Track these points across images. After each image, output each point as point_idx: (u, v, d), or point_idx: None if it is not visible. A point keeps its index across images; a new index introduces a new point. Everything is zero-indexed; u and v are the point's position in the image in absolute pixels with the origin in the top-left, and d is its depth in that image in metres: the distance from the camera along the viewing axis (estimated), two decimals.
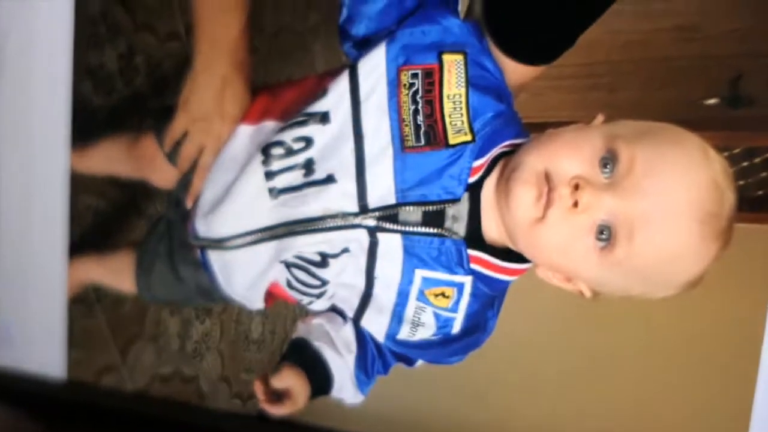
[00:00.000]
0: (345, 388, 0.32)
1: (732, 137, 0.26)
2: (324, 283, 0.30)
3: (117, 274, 0.34)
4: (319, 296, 0.31)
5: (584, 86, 0.28)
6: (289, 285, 0.31)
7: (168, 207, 0.32)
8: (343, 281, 0.30)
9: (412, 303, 0.30)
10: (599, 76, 0.28)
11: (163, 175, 0.33)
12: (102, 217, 0.32)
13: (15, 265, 0.30)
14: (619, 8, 0.25)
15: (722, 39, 0.26)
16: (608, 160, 0.26)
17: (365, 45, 0.29)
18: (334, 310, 0.32)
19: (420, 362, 0.31)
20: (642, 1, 0.26)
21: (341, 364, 0.31)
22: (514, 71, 0.28)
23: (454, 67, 0.28)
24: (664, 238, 0.25)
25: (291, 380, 0.31)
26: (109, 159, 0.33)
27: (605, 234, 0.26)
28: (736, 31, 0.25)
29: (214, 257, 0.32)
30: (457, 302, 0.29)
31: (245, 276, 0.32)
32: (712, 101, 0.26)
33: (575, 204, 0.26)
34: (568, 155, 0.26)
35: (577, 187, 0.26)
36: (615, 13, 0.25)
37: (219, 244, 0.32)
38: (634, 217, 0.25)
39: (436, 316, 0.30)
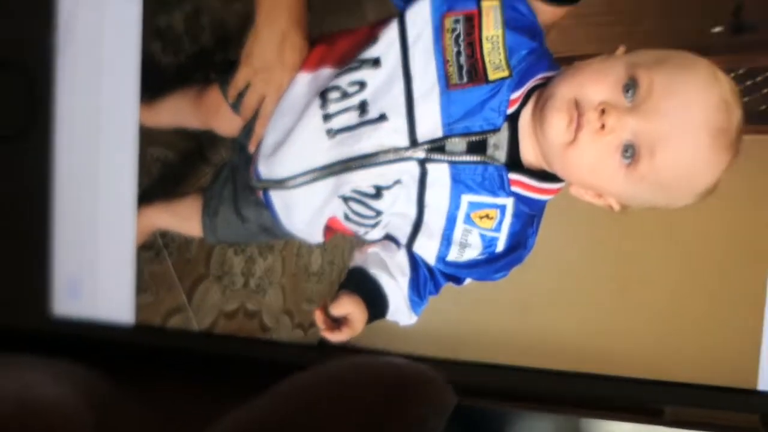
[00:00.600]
0: (400, 311, 0.35)
1: (736, 60, 0.30)
2: (379, 213, 0.34)
3: (184, 219, 0.36)
4: (374, 226, 0.34)
5: (606, 22, 0.31)
6: (347, 218, 0.34)
7: (232, 153, 0.35)
8: (397, 210, 0.33)
9: (460, 226, 0.33)
10: (619, 12, 0.31)
11: (227, 124, 0.35)
12: (169, 167, 0.35)
13: (86, 220, 0.31)
14: None
15: None
16: (630, 86, 0.29)
17: None
18: (388, 238, 0.35)
19: (468, 280, 0.34)
20: None
21: (395, 287, 0.35)
22: (545, 12, 0.31)
23: (491, 11, 0.32)
24: (681, 153, 0.29)
25: (349, 307, 0.34)
26: (177, 111, 0.35)
27: (629, 152, 0.29)
28: None
29: (276, 197, 0.35)
30: (500, 222, 0.33)
31: (305, 212, 0.35)
32: (717, 29, 0.30)
33: (602, 127, 0.29)
34: (594, 84, 0.30)
35: (603, 111, 0.29)
36: None
37: (280, 184, 0.35)
38: (655, 136, 0.29)
39: (482, 236, 0.33)
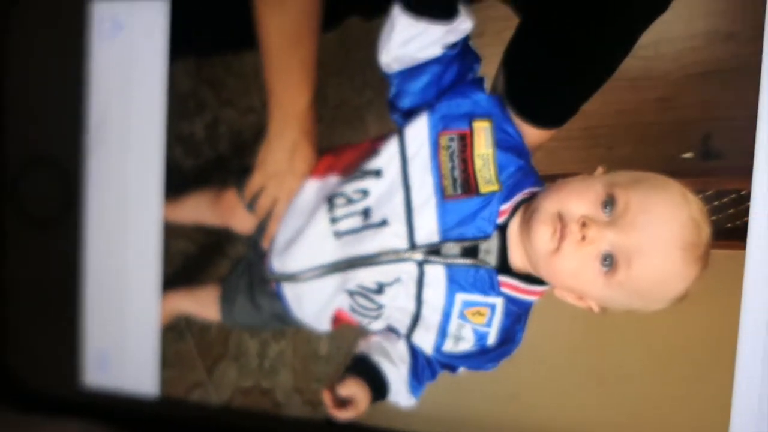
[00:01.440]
0: (400, 393, 0.37)
1: (705, 182, 0.33)
2: (381, 306, 0.37)
3: (204, 305, 0.40)
4: (377, 318, 0.37)
5: (586, 145, 0.34)
6: (352, 310, 0.37)
7: (247, 248, 0.38)
8: (397, 305, 0.36)
9: (455, 321, 0.36)
10: (598, 137, 0.34)
11: (243, 223, 0.39)
12: (191, 258, 0.38)
13: (115, 301, 0.34)
14: (611, 84, 0.32)
15: (695, 107, 0.32)
16: (608, 203, 0.32)
17: (410, 115, 0.35)
18: (390, 328, 0.38)
19: (461, 369, 0.37)
20: (630, 77, 0.32)
21: (396, 373, 0.37)
22: (531, 134, 0.34)
23: (482, 131, 0.35)
24: (655, 263, 0.32)
25: (354, 388, 0.37)
26: (197, 210, 0.38)
27: (608, 261, 0.32)
28: (706, 102, 0.32)
29: (288, 289, 0.39)
30: (491, 319, 0.35)
31: (315, 303, 0.38)
32: (687, 155, 0.32)
33: (583, 238, 0.32)
34: (576, 199, 0.33)
35: (584, 224, 0.32)
36: (608, 89, 0.32)
37: (292, 277, 0.38)
38: (631, 248, 0.32)
39: (474, 331, 0.36)
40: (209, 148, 0.38)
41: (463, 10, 0.34)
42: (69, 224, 0.30)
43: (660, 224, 0.32)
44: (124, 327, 0.35)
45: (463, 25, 0.34)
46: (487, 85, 0.34)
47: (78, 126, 0.31)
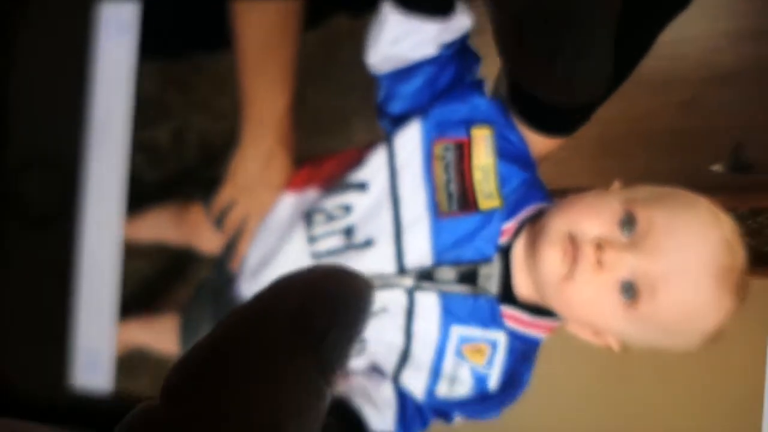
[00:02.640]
0: None
1: (737, 199, 0.29)
2: (363, 341, 0.32)
3: (161, 336, 0.35)
4: (358, 354, 0.32)
5: (600, 155, 0.30)
6: None
7: (213, 271, 0.34)
8: (382, 339, 0.32)
9: (450, 359, 0.31)
10: (613, 147, 0.30)
11: (209, 242, 0.34)
12: (148, 282, 0.34)
13: (105, 297, 0.31)
14: (625, 87, 0.28)
15: (722, 113, 0.29)
16: (627, 222, 0.28)
17: (401, 121, 0.32)
18: (374, 368, 0.33)
19: (457, 418, 0.32)
20: (646, 80, 0.29)
21: (381, 420, 0.32)
22: (537, 142, 0.30)
23: (482, 140, 0.31)
24: (683, 293, 0.27)
25: None
26: (158, 226, 0.34)
27: (629, 290, 0.28)
28: (735, 107, 0.28)
29: None
30: (492, 358, 0.31)
31: None
32: (716, 167, 0.29)
33: (599, 262, 0.28)
34: (589, 218, 0.29)
35: (599, 246, 0.28)
36: (624, 92, 0.28)
37: None
38: (656, 275, 0.27)
39: (473, 371, 0.31)
40: (174, 158, 0.34)
41: (460, 6, 0.31)
42: (65, 224, 0.29)
43: (688, 247, 0.27)
44: (115, 326, 0.32)
45: (459, 22, 0.31)
46: (488, 88, 0.30)
47: (79, 126, 0.30)
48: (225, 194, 0.33)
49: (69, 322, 0.29)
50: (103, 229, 0.30)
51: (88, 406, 0.28)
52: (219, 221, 0.34)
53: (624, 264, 0.28)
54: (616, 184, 0.29)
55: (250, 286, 0.34)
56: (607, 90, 0.29)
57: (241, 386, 0.15)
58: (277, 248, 0.33)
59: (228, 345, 0.16)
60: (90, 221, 0.30)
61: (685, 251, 0.28)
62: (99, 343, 0.29)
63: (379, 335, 0.32)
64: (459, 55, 0.31)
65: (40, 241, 0.29)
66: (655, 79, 0.28)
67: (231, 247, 0.34)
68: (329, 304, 0.17)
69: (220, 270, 0.34)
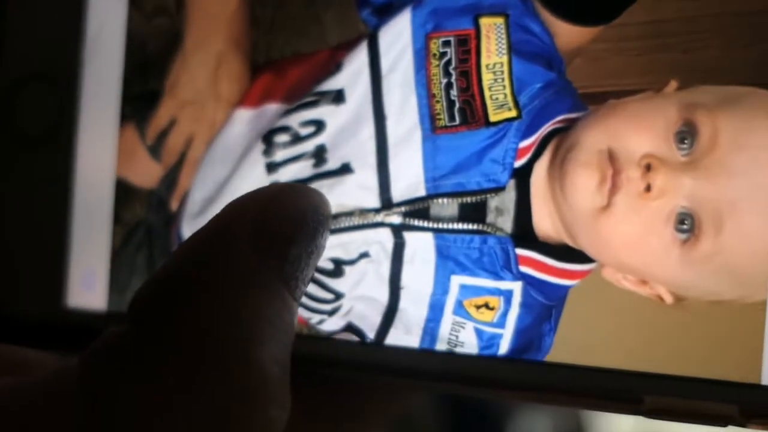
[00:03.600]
0: None
1: None
2: (338, 296, 0.26)
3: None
4: (331, 313, 0.26)
5: (652, 47, 0.24)
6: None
7: (148, 210, 0.28)
8: (362, 293, 0.26)
9: (448, 318, 0.25)
10: (670, 35, 0.24)
11: (144, 172, 0.28)
12: None
13: (102, 214, 0.29)
14: None
15: None
16: (686, 134, 0.22)
17: (387, 11, 0.26)
18: (351, 329, 0.27)
19: None
20: None
21: None
22: (566, 34, 0.24)
23: (493, 31, 0.24)
24: (757, 226, 0.21)
25: None
26: None
27: (687, 224, 0.22)
28: None
29: None
30: (505, 315, 0.24)
31: None
32: None
33: (648, 188, 0.22)
34: (636, 130, 0.22)
35: (649, 167, 0.22)
36: None
37: None
38: (722, 202, 0.21)
39: (479, 332, 0.25)
40: None
41: None
42: (60, 142, 0.28)
43: (765, 166, 0.21)
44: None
45: None
46: None
47: (74, 40, 0.28)
48: (164, 111, 0.27)
49: (64, 241, 0.28)
50: (99, 146, 0.29)
51: (83, 325, 0.27)
52: (156, 147, 0.27)
53: (680, 188, 0.22)
54: (672, 85, 0.22)
55: (194, 228, 0.27)
56: None
57: (206, 309, 0.16)
58: (227, 179, 0.27)
59: (190, 267, 0.17)
60: (85, 138, 0.28)
61: (761, 170, 0.21)
62: (94, 262, 0.28)
63: (358, 288, 0.25)
64: None
65: (34, 159, 0.28)
66: None
67: (170, 179, 0.27)
68: (287, 219, 0.18)
69: (157, 208, 0.28)
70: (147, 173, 0.27)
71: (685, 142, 0.22)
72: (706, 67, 0.22)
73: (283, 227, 0.17)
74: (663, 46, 0.23)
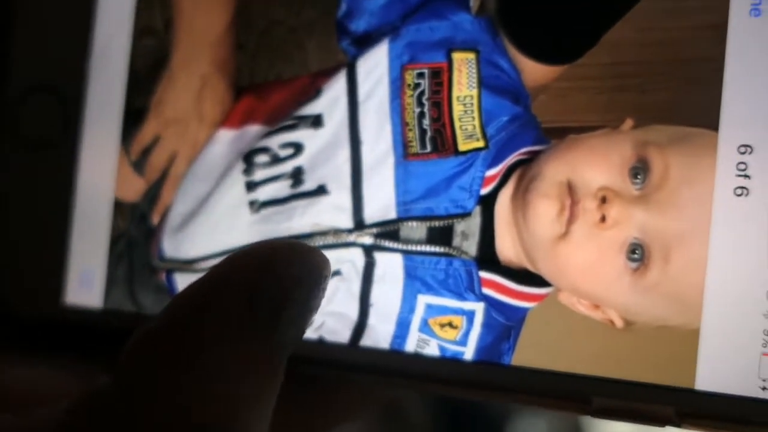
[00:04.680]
0: None
1: None
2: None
3: None
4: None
5: (611, 87, 0.25)
6: None
7: (129, 223, 0.29)
8: (333, 309, 0.26)
9: (414, 335, 0.26)
10: (628, 77, 0.25)
11: (126, 187, 0.29)
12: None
13: (101, 215, 0.30)
14: (648, 5, 0.23)
15: None
16: (639, 170, 0.23)
17: (365, 42, 0.26)
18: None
19: None
20: None
21: None
22: (533, 71, 0.25)
23: (465, 66, 0.26)
24: (702, 257, 0.22)
25: None
26: None
27: (638, 253, 0.23)
28: None
29: (183, 281, 0.28)
30: (467, 333, 0.25)
31: None
32: None
33: (603, 219, 0.23)
34: (593, 164, 0.24)
35: (604, 199, 0.23)
36: (644, 10, 0.23)
37: (188, 265, 0.28)
38: (670, 234, 0.22)
39: (442, 350, 0.26)
40: None
41: None
42: (65, 148, 0.29)
43: (708, 202, 0.22)
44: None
45: None
46: (474, 2, 0.25)
47: (81, 53, 0.29)
48: (148, 129, 0.28)
49: (65, 243, 0.28)
50: (101, 154, 0.29)
51: (80, 322, 0.28)
52: (139, 162, 0.28)
53: (632, 220, 0.23)
54: (628, 123, 0.24)
55: (174, 242, 0.28)
56: (621, 8, 0.24)
57: (196, 374, 0.15)
58: (208, 196, 0.27)
59: (181, 329, 0.16)
60: (88, 146, 0.29)
61: (704, 208, 0.23)
62: (93, 262, 0.29)
63: (329, 305, 0.26)
64: None
65: (37, 165, 0.29)
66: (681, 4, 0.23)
67: (152, 195, 0.28)
68: (283, 282, 0.17)
69: (139, 222, 0.28)
70: (130, 188, 0.28)
71: (639, 177, 0.23)
72: (660, 108, 0.24)
73: (278, 290, 0.17)
74: (621, 86, 0.24)
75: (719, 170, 0.22)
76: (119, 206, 0.28)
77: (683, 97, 0.23)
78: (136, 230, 0.28)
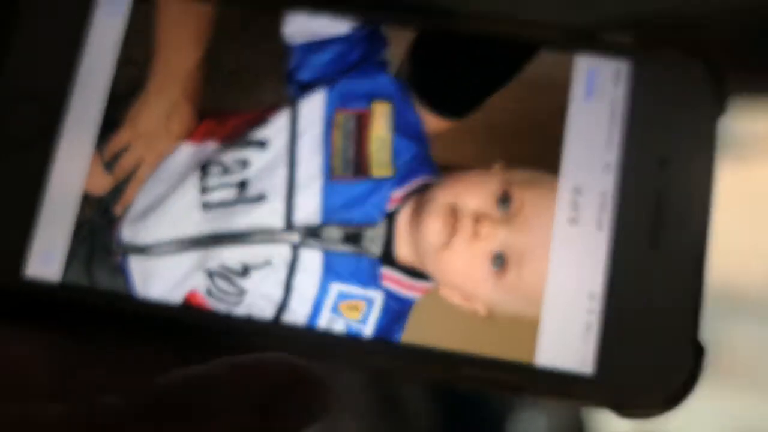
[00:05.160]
0: None
1: None
2: (243, 292, 0.32)
3: None
4: (235, 305, 0.32)
5: (488, 138, 0.33)
6: (209, 293, 0.31)
7: (95, 212, 0.32)
8: (262, 291, 0.32)
9: (326, 314, 0.31)
10: (500, 133, 0.33)
11: (96, 182, 0.33)
12: None
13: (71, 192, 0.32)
14: (516, 83, 0.32)
15: None
16: (504, 200, 0.31)
17: (307, 88, 0.33)
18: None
19: None
20: (532, 83, 0.33)
21: None
22: (431, 121, 0.33)
23: (381, 114, 0.33)
24: (544, 266, 0.30)
25: None
26: None
27: (499, 261, 0.30)
28: None
29: (135, 263, 0.32)
30: (367, 315, 0.31)
31: (165, 282, 0.32)
32: None
33: (476, 234, 0.31)
34: (471, 193, 0.31)
35: (478, 220, 0.31)
36: (514, 86, 0.32)
37: (143, 251, 0.32)
38: (523, 248, 0.30)
39: (347, 327, 0.31)
40: None
41: None
42: (44, 147, 0.32)
43: (549, 227, 0.31)
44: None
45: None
46: (392, 69, 0.33)
47: (68, 72, 0.32)
48: (122, 137, 0.33)
49: (32, 224, 0.31)
50: (77, 154, 0.32)
51: (39, 294, 0.30)
52: (111, 163, 0.33)
53: (497, 237, 0.31)
54: (498, 166, 0.32)
55: (132, 230, 0.32)
56: (498, 82, 0.33)
57: None
58: (166, 195, 0.33)
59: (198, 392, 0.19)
60: (65, 147, 0.32)
61: (546, 231, 0.31)
62: (56, 242, 0.31)
63: (259, 288, 0.32)
64: (370, 36, 0.33)
65: (18, 159, 0.31)
66: (542, 83, 0.32)
67: (118, 191, 0.33)
68: (294, 410, 0.20)
69: (103, 211, 0.33)
70: (99, 183, 0.32)
71: (503, 204, 0.31)
72: (522, 157, 0.32)
73: (289, 417, 0.19)
74: (495, 138, 0.32)
75: (558, 204, 0.30)
76: (87, 198, 0.32)
77: (537, 151, 0.32)
78: (99, 219, 0.32)
